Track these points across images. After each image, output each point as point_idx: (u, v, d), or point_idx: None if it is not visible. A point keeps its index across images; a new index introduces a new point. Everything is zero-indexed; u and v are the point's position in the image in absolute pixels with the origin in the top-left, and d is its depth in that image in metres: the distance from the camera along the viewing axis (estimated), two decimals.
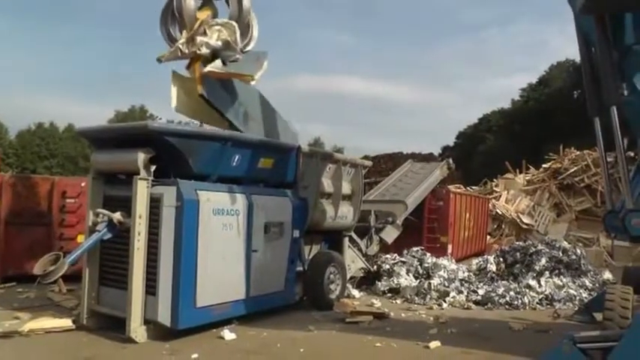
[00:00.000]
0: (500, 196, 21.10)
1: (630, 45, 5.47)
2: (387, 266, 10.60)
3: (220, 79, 7.67)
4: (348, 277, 9.49)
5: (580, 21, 5.79)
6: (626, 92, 5.28)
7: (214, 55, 7.42)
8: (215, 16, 7.77)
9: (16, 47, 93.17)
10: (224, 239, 6.81)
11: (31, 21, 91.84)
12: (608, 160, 5.98)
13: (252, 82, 7.59)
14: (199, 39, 7.27)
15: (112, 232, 6.48)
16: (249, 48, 8.08)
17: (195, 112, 7.72)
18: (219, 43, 7.40)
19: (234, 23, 7.56)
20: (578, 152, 21.71)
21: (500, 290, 9.67)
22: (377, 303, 9.02)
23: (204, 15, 7.54)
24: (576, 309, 8.75)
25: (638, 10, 5.40)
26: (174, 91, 7.50)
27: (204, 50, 7.27)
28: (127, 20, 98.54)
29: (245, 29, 7.91)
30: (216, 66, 7.32)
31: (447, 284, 9.97)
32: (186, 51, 7.28)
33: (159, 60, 7.34)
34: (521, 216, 19.62)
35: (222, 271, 6.77)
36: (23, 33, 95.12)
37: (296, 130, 9.13)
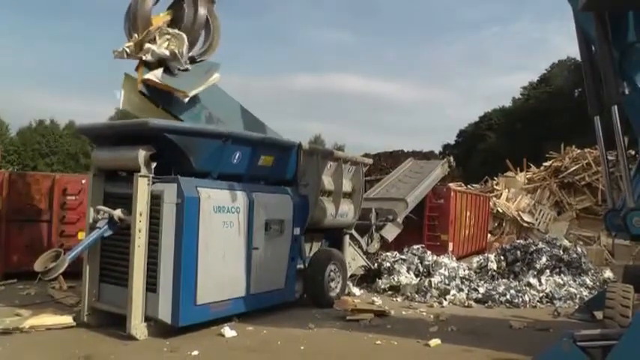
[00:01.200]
0: (501, 194, 21.12)
1: (631, 43, 5.45)
2: (388, 264, 10.61)
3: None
4: (349, 274, 9.49)
5: (580, 19, 5.78)
6: (627, 91, 5.26)
7: (160, 62, 7.51)
8: (178, 21, 7.83)
9: (17, 44, 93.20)
10: (225, 236, 6.81)
11: (31, 17, 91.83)
12: (609, 158, 5.96)
13: (186, 99, 7.61)
14: (147, 45, 7.37)
15: (112, 229, 6.48)
16: (205, 57, 8.23)
17: (144, 111, 7.69)
18: (167, 52, 7.48)
19: (184, 35, 7.64)
20: (578, 151, 21.72)
21: (501, 288, 9.68)
22: (377, 301, 9.03)
23: (160, 20, 7.64)
24: (577, 307, 8.75)
25: (639, 10, 5.39)
26: (123, 92, 7.61)
27: (149, 57, 7.38)
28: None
29: (198, 39, 8.05)
30: (156, 75, 7.39)
31: (447, 282, 9.98)
32: (132, 54, 7.39)
33: (113, 53, 7.47)
34: (521, 214, 19.64)
35: (222, 269, 6.77)
36: (24, 30, 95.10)
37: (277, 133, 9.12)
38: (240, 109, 8.72)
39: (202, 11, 7.92)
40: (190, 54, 7.93)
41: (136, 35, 7.44)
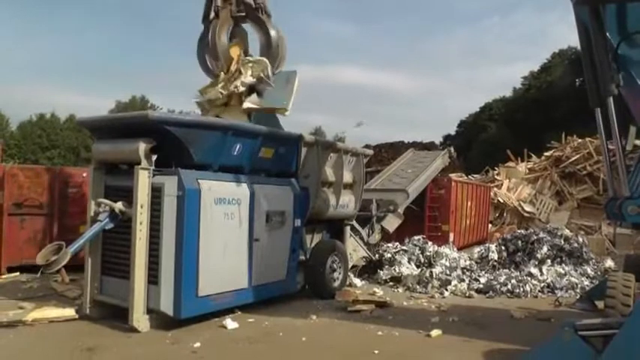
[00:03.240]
0: (502, 184, 21.10)
1: (627, 35, 5.42)
2: (389, 255, 10.61)
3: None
4: (350, 265, 9.51)
5: (578, 11, 5.74)
6: (622, 83, 5.25)
7: (250, 88, 8.25)
8: (245, 49, 8.58)
9: (17, 37, 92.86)
10: (226, 228, 6.81)
11: (31, 11, 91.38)
12: (610, 147, 5.95)
13: (287, 113, 8.36)
14: (235, 82, 8.14)
15: (113, 221, 6.49)
16: (280, 69, 8.74)
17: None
18: (253, 79, 8.24)
19: (265, 60, 8.35)
20: (579, 140, 21.66)
21: (502, 278, 9.69)
22: (379, 292, 9.04)
23: (236, 52, 8.38)
24: (578, 297, 8.77)
25: (632, 1, 5.34)
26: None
27: (241, 89, 8.14)
28: (129, 10, 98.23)
29: (277, 57, 8.64)
30: (253, 101, 8.22)
31: (448, 273, 9.99)
32: (226, 91, 8.17)
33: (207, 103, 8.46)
34: (522, 204, 19.64)
35: (223, 261, 6.78)
36: (24, 23, 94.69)
37: None
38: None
39: (274, 33, 8.51)
40: None
41: (222, 74, 8.28)
